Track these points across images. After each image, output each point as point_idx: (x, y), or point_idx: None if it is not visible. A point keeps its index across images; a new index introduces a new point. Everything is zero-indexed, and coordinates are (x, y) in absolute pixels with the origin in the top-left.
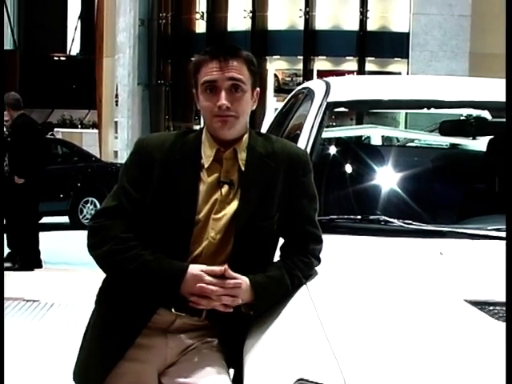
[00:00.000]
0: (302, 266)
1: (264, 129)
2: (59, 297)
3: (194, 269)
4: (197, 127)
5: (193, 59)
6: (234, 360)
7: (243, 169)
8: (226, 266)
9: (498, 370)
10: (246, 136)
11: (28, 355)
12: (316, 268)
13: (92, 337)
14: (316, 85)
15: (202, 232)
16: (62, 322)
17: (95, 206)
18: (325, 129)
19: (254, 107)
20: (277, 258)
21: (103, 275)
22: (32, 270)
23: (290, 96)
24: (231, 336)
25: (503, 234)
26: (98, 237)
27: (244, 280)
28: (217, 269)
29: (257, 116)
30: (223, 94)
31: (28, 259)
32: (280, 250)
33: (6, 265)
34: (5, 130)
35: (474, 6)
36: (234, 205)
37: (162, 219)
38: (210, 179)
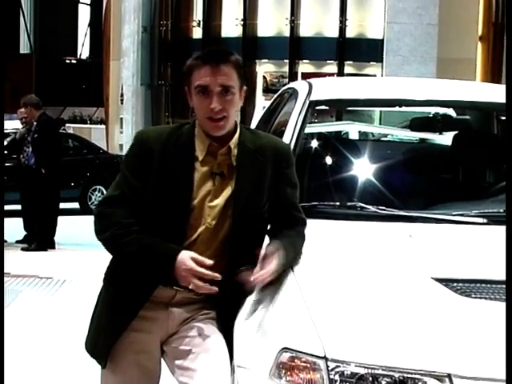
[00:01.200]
0: (297, 240)
1: (253, 125)
2: (70, 274)
3: (184, 256)
4: None
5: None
6: (226, 330)
7: (235, 163)
8: (210, 262)
9: (455, 336)
10: (238, 133)
11: (42, 326)
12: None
13: (101, 310)
14: (300, 85)
15: (198, 219)
16: (73, 296)
17: (102, 193)
18: (307, 125)
19: (242, 104)
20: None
21: (110, 255)
22: (46, 250)
23: (276, 95)
24: (225, 309)
25: (466, 219)
26: (102, 222)
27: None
28: (205, 261)
29: (247, 113)
30: (215, 98)
31: (43, 241)
32: (268, 235)
33: (23, 246)
34: (21, 127)
35: (441, 16)
36: (226, 194)
37: (161, 205)
38: (203, 170)
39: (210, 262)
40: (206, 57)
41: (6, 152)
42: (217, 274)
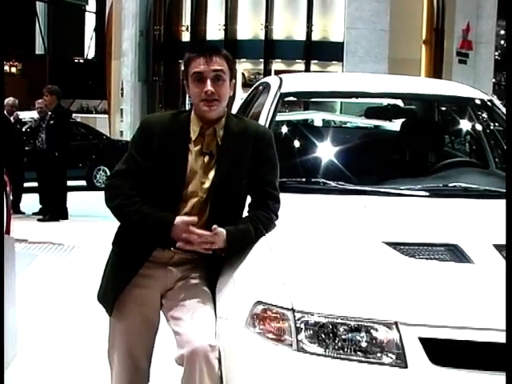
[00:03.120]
0: (263, 219)
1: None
2: (79, 241)
3: (179, 221)
4: None
5: (180, 61)
6: (212, 287)
7: (220, 143)
8: (214, 226)
9: (401, 290)
10: (224, 118)
11: (55, 284)
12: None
13: (109, 268)
14: (272, 80)
15: (192, 192)
16: (81, 260)
17: (106, 172)
18: (278, 113)
19: (231, 94)
20: (245, 213)
21: (115, 225)
22: (58, 220)
23: (252, 88)
24: (213, 269)
25: (412, 192)
26: (111, 192)
27: (220, 231)
28: (193, 220)
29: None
30: (209, 82)
31: (56, 212)
32: (248, 206)
33: (38, 217)
34: (36, 116)
35: (391, 23)
36: (214, 171)
37: (160, 179)
38: (195, 149)
39: (194, 218)
40: (201, 50)
41: (24, 138)
42: (208, 232)
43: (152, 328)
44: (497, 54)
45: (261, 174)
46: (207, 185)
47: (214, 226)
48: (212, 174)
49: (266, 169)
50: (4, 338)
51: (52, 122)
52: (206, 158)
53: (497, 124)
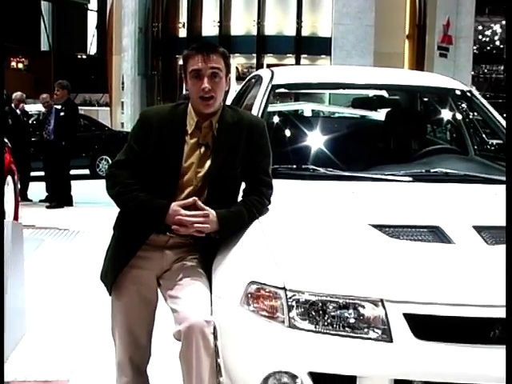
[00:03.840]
0: (256, 204)
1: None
2: (83, 226)
3: (174, 206)
4: None
5: (177, 56)
6: (207, 268)
7: (216, 134)
8: (195, 198)
9: (387, 269)
10: (220, 110)
11: (61, 266)
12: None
13: (110, 251)
14: (264, 72)
15: (188, 181)
16: (85, 244)
17: (108, 162)
18: (270, 104)
19: (227, 88)
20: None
21: (115, 211)
22: (63, 207)
23: (245, 80)
24: (207, 251)
25: (396, 178)
26: (111, 181)
27: (211, 212)
28: (188, 200)
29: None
30: (206, 79)
31: (61, 199)
32: (242, 192)
33: (46, 204)
34: (44, 109)
35: (377, 19)
36: (210, 161)
37: (157, 169)
38: (191, 141)
39: (190, 200)
40: (199, 47)
41: (30, 129)
42: (199, 212)
43: (150, 306)
44: (475, 48)
45: (254, 162)
46: (202, 174)
47: (194, 198)
48: (208, 163)
49: (259, 157)
50: (4, 334)
51: (62, 113)
52: (202, 149)
53: (476, 113)
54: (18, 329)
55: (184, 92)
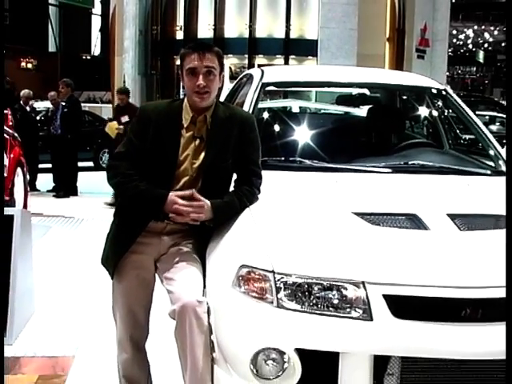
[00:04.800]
0: (247, 193)
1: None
2: (87, 214)
3: (171, 195)
4: None
5: (175, 56)
6: (201, 253)
7: (209, 128)
8: (193, 190)
9: (368, 254)
10: (213, 106)
11: (68, 252)
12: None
13: (111, 237)
14: (254, 71)
15: (184, 172)
16: (89, 230)
17: (110, 154)
18: (260, 101)
19: (221, 85)
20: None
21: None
22: (69, 197)
23: (237, 79)
24: (201, 237)
25: (377, 169)
26: (111, 172)
27: (206, 202)
28: (186, 192)
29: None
30: (201, 76)
31: (68, 189)
32: (234, 182)
33: (53, 194)
34: (51, 106)
35: (359, 23)
36: (204, 153)
37: (155, 160)
38: (187, 135)
39: (188, 192)
40: (195, 47)
41: (39, 124)
42: (195, 203)
43: (148, 288)
44: (450, 50)
45: (245, 154)
46: (197, 165)
47: (193, 191)
48: (202, 155)
49: (249, 149)
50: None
51: (66, 110)
52: (197, 142)
53: (450, 110)
54: (27, 308)
55: (182, 95)
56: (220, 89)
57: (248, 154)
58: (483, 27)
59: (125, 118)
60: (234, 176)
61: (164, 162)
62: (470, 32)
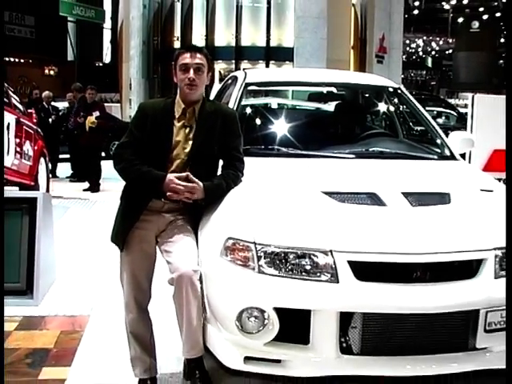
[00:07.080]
0: (232, 176)
1: (211, 98)
2: (100, 197)
3: (169, 176)
4: None
5: (173, 63)
6: (195, 228)
7: (197, 119)
8: (188, 173)
9: (335, 226)
10: (201, 101)
11: (83, 228)
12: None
13: (118, 216)
14: (239, 73)
15: (176, 156)
16: (102, 210)
17: None
18: (244, 99)
19: (208, 83)
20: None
21: (123, 185)
22: (84, 181)
23: (224, 80)
24: (195, 214)
25: (343, 155)
26: (117, 159)
27: (199, 184)
28: (182, 174)
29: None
30: (191, 71)
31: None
32: (221, 167)
33: (71, 179)
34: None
35: (328, 33)
36: (192, 139)
37: (152, 147)
38: (178, 124)
39: (184, 174)
40: (188, 47)
41: (59, 121)
42: (190, 184)
43: (150, 259)
44: (404, 57)
45: (228, 143)
46: (188, 150)
47: (188, 173)
48: (191, 141)
49: (232, 138)
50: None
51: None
52: (187, 130)
53: (404, 106)
54: (50, 276)
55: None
56: (209, 87)
57: (230, 142)
58: (431, 38)
59: (96, 113)
60: (221, 163)
61: (160, 147)
62: (420, 42)
